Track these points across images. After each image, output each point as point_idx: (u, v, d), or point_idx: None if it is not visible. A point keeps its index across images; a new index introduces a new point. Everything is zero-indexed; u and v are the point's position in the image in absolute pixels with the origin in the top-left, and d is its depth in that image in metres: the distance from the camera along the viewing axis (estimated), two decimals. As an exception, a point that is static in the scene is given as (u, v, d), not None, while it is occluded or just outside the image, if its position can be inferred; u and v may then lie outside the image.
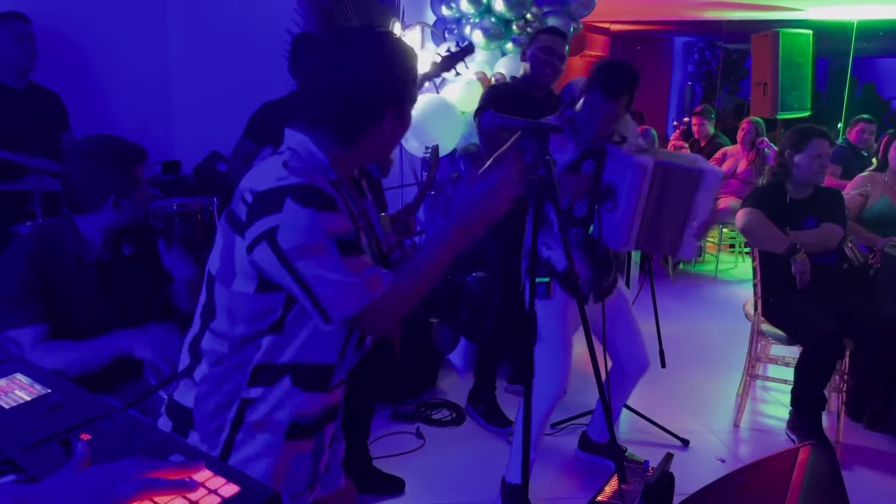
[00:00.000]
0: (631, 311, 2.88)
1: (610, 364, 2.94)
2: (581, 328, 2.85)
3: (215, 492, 0.85)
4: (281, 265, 1.28)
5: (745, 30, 8.27)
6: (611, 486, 2.44)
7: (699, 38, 11.94)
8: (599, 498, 2.36)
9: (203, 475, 0.88)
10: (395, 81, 1.35)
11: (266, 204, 1.28)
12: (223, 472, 0.88)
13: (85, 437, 0.99)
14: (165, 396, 1.91)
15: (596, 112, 2.50)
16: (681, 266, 6.66)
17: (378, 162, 1.46)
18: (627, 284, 3.71)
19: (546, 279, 2.58)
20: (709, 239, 6.92)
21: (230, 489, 0.86)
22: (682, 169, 2.53)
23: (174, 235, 3.00)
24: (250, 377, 1.38)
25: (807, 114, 7.25)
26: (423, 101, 4.00)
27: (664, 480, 2.41)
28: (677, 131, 7.70)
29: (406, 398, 3.61)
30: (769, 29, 7.10)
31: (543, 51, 3.30)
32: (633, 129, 2.80)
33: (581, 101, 2.55)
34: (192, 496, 0.84)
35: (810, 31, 7.20)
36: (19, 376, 1.18)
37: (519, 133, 2.45)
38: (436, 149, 2.73)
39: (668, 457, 2.48)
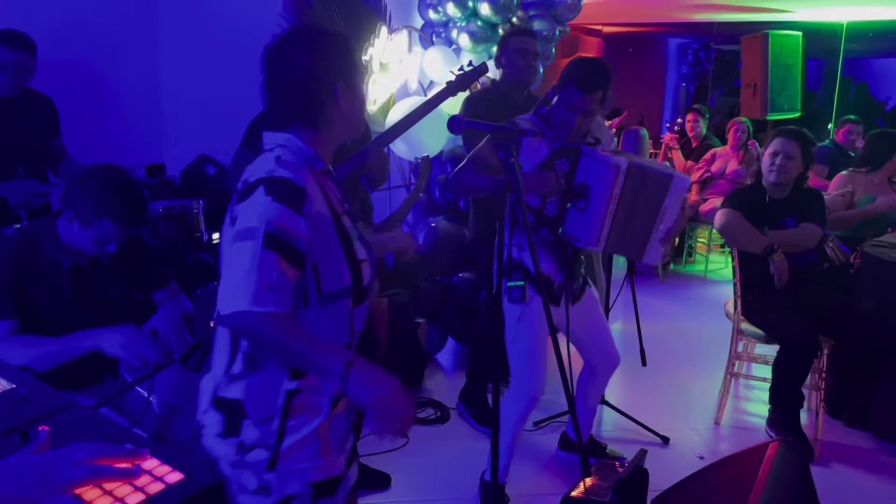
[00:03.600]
0: (600, 309, 2.92)
1: (582, 363, 3.00)
2: (562, 331, 2.91)
3: (161, 479, 0.90)
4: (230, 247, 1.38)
5: (735, 31, 8.32)
6: (586, 482, 2.48)
7: (693, 39, 12.00)
8: (573, 493, 2.41)
9: (150, 463, 0.92)
10: (332, 58, 1.50)
11: (246, 192, 1.41)
12: (169, 461, 0.93)
13: (43, 428, 1.04)
14: (146, 393, 1.96)
15: (571, 108, 2.51)
16: (671, 266, 6.70)
17: (351, 138, 1.57)
18: (608, 284, 3.75)
19: (521, 283, 2.60)
20: (699, 239, 6.97)
21: (175, 476, 0.91)
22: (653, 172, 2.57)
23: (159, 237, 3.04)
24: (289, 372, 1.48)
25: (797, 115, 7.29)
26: (411, 105, 4.04)
27: (636, 475, 2.46)
28: (669, 133, 7.74)
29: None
30: (759, 30, 7.15)
31: (519, 53, 3.32)
32: (608, 133, 2.84)
33: (556, 97, 2.56)
34: (138, 482, 0.89)
35: (800, 33, 7.25)
36: (-13, 372, 1.23)
37: (488, 136, 2.49)
38: (427, 159, 2.77)
39: (642, 452, 2.53)
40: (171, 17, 4.23)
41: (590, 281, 2.87)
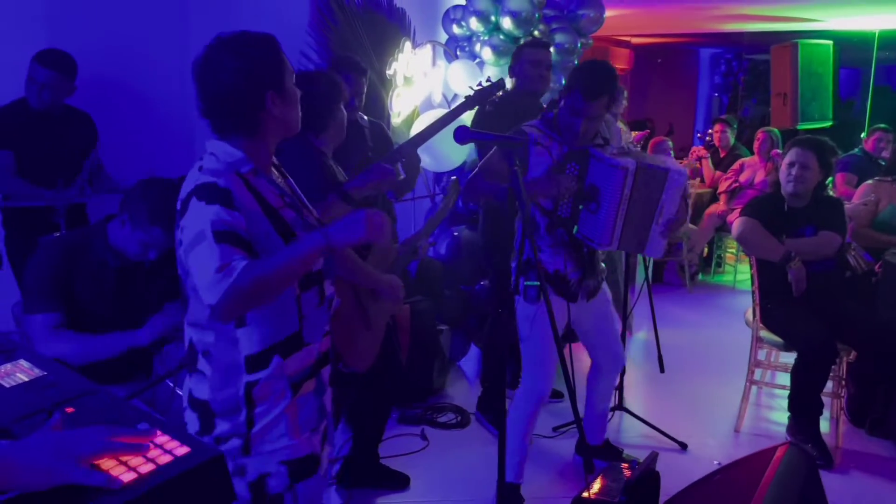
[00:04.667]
0: (611, 309, 2.97)
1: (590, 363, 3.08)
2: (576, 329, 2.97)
3: (169, 451, 1.00)
4: (185, 261, 1.50)
5: (765, 41, 8.29)
6: (597, 484, 2.53)
7: (725, 49, 11.94)
8: (584, 494, 2.46)
9: (161, 439, 1.03)
10: (260, 69, 1.56)
11: (183, 207, 1.52)
12: (178, 437, 1.03)
13: (69, 409, 1.15)
14: (172, 384, 2.08)
15: (576, 113, 2.56)
16: (699, 276, 6.69)
17: (289, 134, 1.66)
18: (626, 290, 3.79)
19: (537, 283, 2.66)
20: (728, 249, 6.95)
21: (182, 449, 1.01)
22: (653, 168, 2.61)
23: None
24: (246, 366, 1.59)
25: (828, 124, 7.24)
26: (433, 117, 4.15)
27: (647, 477, 2.50)
28: (699, 146, 7.72)
29: (413, 402, 3.75)
30: (789, 40, 7.13)
31: (533, 64, 3.40)
32: (617, 132, 2.89)
33: (562, 102, 2.62)
34: (149, 454, 0.99)
35: (830, 42, 7.21)
36: (22, 361, 1.35)
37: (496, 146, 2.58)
38: (456, 182, 2.89)
39: (653, 455, 2.57)
40: (203, 38, 4.39)
41: (604, 280, 2.92)
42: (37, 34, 3.46)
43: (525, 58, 3.45)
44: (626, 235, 2.61)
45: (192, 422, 1.63)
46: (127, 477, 0.95)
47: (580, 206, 2.61)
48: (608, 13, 5.03)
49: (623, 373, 3.50)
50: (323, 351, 1.72)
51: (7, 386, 1.25)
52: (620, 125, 6.17)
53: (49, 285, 2.14)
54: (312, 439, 1.68)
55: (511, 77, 3.54)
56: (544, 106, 3.61)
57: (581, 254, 2.73)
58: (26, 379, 1.28)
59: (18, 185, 3.17)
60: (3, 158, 3.16)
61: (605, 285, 2.93)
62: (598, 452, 3.16)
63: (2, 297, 2.97)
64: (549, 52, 3.54)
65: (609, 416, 3.28)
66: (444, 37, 4.83)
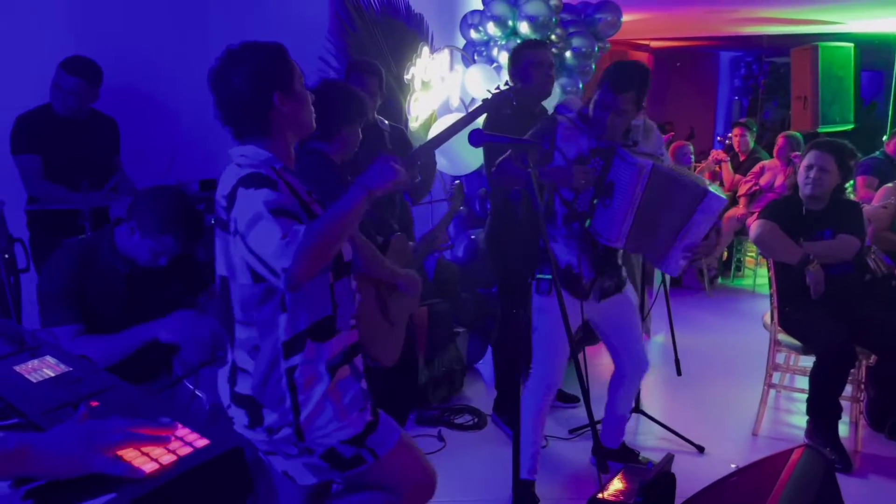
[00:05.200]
0: (634, 314, 2.96)
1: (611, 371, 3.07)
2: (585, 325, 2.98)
3: (190, 443, 1.04)
4: (245, 247, 1.58)
5: (785, 44, 8.24)
6: (613, 485, 2.54)
7: (745, 52, 11.87)
8: (599, 495, 2.47)
9: (181, 431, 1.07)
10: (266, 72, 1.68)
11: (230, 200, 1.61)
12: (197, 429, 1.07)
13: (94, 403, 1.19)
14: (192, 387, 2.12)
15: (604, 107, 2.62)
16: (719, 280, 6.66)
17: (304, 133, 1.78)
18: (642, 293, 3.79)
19: (549, 276, 2.69)
20: (748, 253, 6.91)
21: (202, 441, 1.04)
22: (686, 182, 2.63)
23: (210, 248, 3.22)
24: (284, 352, 1.68)
25: (850, 127, 7.18)
26: (450, 121, 4.18)
27: (663, 479, 2.50)
28: (717, 150, 7.68)
29: (431, 403, 3.77)
30: (809, 42, 7.09)
31: (535, 66, 3.34)
32: (656, 139, 2.89)
33: (594, 97, 2.68)
34: (169, 446, 1.03)
35: (851, 45, 7.15)
36: (49, 358, 1.40)
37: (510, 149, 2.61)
38: (460, 185, 2.97)
39: (669, 457, 2.58)
40: (223, 45, 4.46)
41: (626, 282, 2.91)
42: (61, 40, 3.54)
43: (525, 59, 3.37)
44: (636, 236, 2.62)
45: (239, 417, 1.72)
46: (149, 467, 0.98)
47: (595, 201, 2.64)
48: (626, 17, 5.05)
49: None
50: (351, 342, 1.81)
51: (34, 381, 1.30)
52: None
53: (64, 296, 2.16)
54: (363, 415, 1.77)
55: (512, 81, 3.49)
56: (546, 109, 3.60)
57: (596, 252, 2.75)
58: (53, 374, 1.32)
59: (46, 187, 3.25)
60: (31, 162, 3.24)
61: (628, 289, 2.92)
62: (614, 455, 3.17)
63: (29, 297, 3.04)
64: (549, 51, 3.49)
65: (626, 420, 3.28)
66: (461, 42, 4.87)
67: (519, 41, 4.54)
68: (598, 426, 3.45)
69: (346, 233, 1.63)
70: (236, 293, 1.70)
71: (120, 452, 1.00)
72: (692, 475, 2.63)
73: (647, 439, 3.52)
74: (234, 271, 1.68)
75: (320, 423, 1.70)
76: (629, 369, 3.01)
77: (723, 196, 2.68)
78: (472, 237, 4.43)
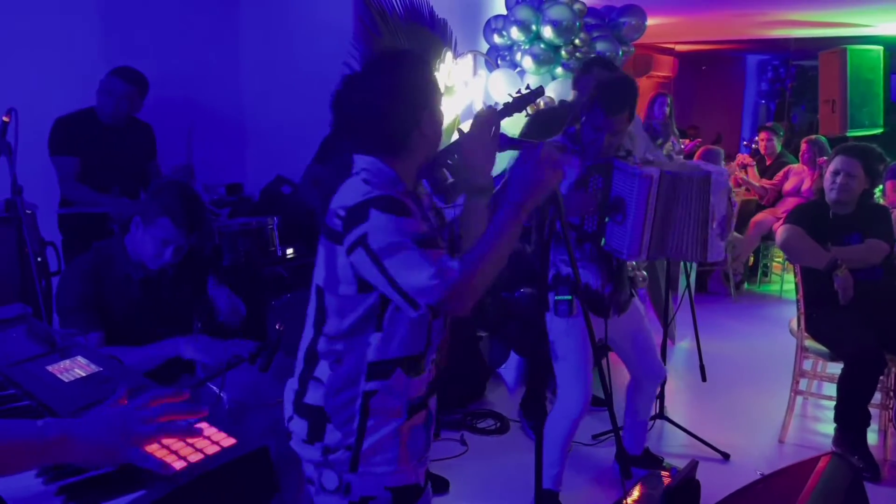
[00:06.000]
0: (645, 322, 2.94)
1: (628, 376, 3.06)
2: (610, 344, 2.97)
3: (217, 443, 1.06)
4: (373, 264, 1.49)
5: (813, 47, 8.14)
6: (637, 491, 2.53)
7: (772, 55, 11.75)
8: (624, 502, 2.46)
9: (208, 430, 1.09)
10: (415, 90, 1.57)
11: (357, 215, 1.50)
12: (224, 429, 1.09)
13: (123, 402, 1.21)
14: (217, 390, 2.15)
15: (598, 129, 2.59)
16: (745, 285, 6.59)
17: (430, 157, 1.65)
18: (666, 298, 3.77)
19: (569, 297, 2.66)
20: (774, 259, 6.83)
21: (229, 441, 1.06)
22: (688, 176, 2.59)
23: (237, 251, 3.27)
24: (368, 373, 1.58)
25: (879, 130, 7.06)
26: (473, 125, 4.19)
27: (686, 485, 2.49)
28: (743, 154, 7.61)
29: (454, 408, 3.78)
30: (837, 46, 7.00)
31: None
32: (642, 141, 2.88)
33: (583, 118, 2.64)
34: (197, 444, 1.05)
35: (880, 48, 7.05)
36: (80, 358, 1.43)
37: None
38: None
39: (693, 464, 2.55)
40: (253, 50, 4.53)
41: (635, 293, 2.91)
42: (91, 44, 3.63)
43: (589, 77, 3.28)
44: (656, 245, 2.58)
45: (300, 429, 1.62)
46: (178, 465, 1.00)
47: (606, 219, 2.61)
48: (650, 21, 5.02)
49: (664, 382, 3.47)
50: (433, 379, 1.72)
51: (66, 381, 1.33)
52: (673, 132, 6.12)
53: (82, 306, 2.20)
54: (418, 470, 1.67)
55: (573, 89, 3.44)
56: None
57: (610, 267, 2.73)
58: (84, 374, 1.36)
59: (81, 190, 3.32)
60: (69, 164, 3.32)
61: (636, 299, 2.92)
62: (637, 461, 3.16)
63: (59, 300, 3.10)
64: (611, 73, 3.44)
65: (650, 426, 3.26)
66: (485, 46, 4.89)
67: (543, 46, 4.55)
68: (622, 432, 3.45)
69: (504, 258, 1.51)
70: (332, 304, 1.60)
71: (150, 449, 1.03)
72: (717, 482, 2.60)
73: (672, 446, 3.49)
74: (336, 283, 1.58)
75: (380, 459, 1.60)
76: (644, 376, 2.99)
77: (722, 168, 2.69)
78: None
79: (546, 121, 3.45)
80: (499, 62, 4.79)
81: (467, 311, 1.52)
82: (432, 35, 4.52)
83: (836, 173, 3.34)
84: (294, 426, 1.64)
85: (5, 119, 2.74)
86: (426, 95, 1.59)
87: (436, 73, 4.25)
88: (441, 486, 3.08)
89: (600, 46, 4.66)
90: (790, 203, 6.25)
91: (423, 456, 1.69)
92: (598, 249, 2.68)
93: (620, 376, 4.20)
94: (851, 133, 6.85)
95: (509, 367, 4.40)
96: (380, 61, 1.60)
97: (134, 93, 3.41)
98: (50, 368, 1.38)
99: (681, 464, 3.20)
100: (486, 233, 1.51)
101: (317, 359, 1.63)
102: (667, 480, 2.47)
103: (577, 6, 4.60)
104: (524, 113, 3.16)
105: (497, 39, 4.73)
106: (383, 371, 1.58)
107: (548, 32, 4.47)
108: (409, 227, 1.47)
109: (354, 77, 1.60)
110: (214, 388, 2.15)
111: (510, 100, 2.90)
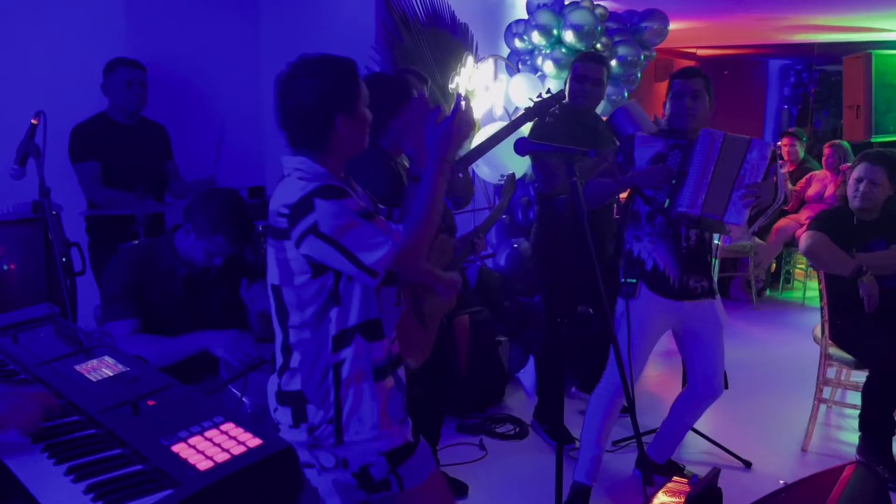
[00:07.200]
0: (720, 336, 2.88)
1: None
2: (669, 332, 2.98)
3: (243, 443, 1.07)
4: (330, 247, 1.62)
5: (837, 52, 8.06)
6: (658, 498, 2.51)
7: (795, 60, 11.63)
8: (646, 508, 2.44)
9: (235, 431, 1.09)
10: (333, 92, 1.68)
11: (302, 208, 1.62)
12: (250, 429, 1.09)
13: (151, 402, 1.23)
14: (239, 394, 2.17)
15: (679, 95, 2.75)
16: (767, 292, 6.53)
17: (357, 154, 1.78)
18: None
19: (634, 280, 2.73)
20: (797, 265, 6.76)
21: (255, 441, 1.07)
22: (740, 138, 2.72)
23: (259, 253, 3.29)
24: (333, 346, 1.71)
25: (905, 136, 6.98)
26: (494, 129, 4.19)
27: (708, 493, 2.46)
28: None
29: (473, 412, 3.77)
30: (861, 50, 6.92)
31: (576, 79, 3.36)
32: None
33: (667, 104, 2.82)
34: (224, 444, 1.05)
35: (906, 52, 6.96)
36: (107, 358, 1.45)
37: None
38: (512, 177, 2.92)
39: (715, 471, 2.53)
40: (273, 54, 4.57)
41: (715, 292, 2.87)
42: (113, 44, 3.68)
43: (571, 72, 3.42)
44: (710, 201, 2.65)
45: (284, 417, 1.73)
46: (204, 465, 1.01)
47: (673, 181, 2.69)
48: (672, 25, 5.00)
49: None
50: (396, 353, 1.83)
51: (94, 380, 1.35)
52: None
53: (125, 293, 2.27)
54: (403, 430, 1.77)
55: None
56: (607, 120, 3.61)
57: (680, 249, 2.75)
58: (111, 374, 1.37)
59: (107, 193, 3.37)
60: (92, 169, 3.36)
61: (717, 302, 2.86)
62: (659, 469, 3.13)
63: (86, 300, 3.14)
64: (599, 64, 3.43)
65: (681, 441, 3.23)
66: (506, 51, 4.88)
67: (564, 50, 4.54)
68: (645, 438, 3.42)
69: (439, 213, 1.69)
70: (291, 297, 1.71)
71: (176, 450, 1.03)
72: (739, 490, 2.59)
73: (693, 453, 3.46)
74: (290, 276, 1.68)
75: (363, 427, 1.69)
76: (702, 390, 2.94)
77: (767, 140, 2.82)
78: (515, 245, 4.43)
79: (556, 123, 3.41)
80: (520, 66, 4.79)
81: (417, 271, 1.74)
82: (454, 39, 4.53)
83: (859, 181, 3.31)
84: (279, 416, 1.74)
85: (34, 122, 2.78)
86: (345, 99, 1.69)
87: (457, 78, 4.26)
88: (460, 490, 3.07)
89: (622, 51, 4.65)
90: (813, 209, 6.19)
91: (403, 418, 1.80)
92: (667, 226, 2.74)
93: (643, 383, 4.18)
94: (877, 139, 6.76)
95: (528, 372, 4.39)
96: (309, 60, 1.70)
97: (144, 76, 3.47)
98: (78, 368, 1.40)
99: (702, 471, 3.18)
100: (419, 193, 1.69)
101: (290, 351, 1.74)
102: (687, 488, 2.45)
103: (598, 10, 4.59)
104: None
105: (518, 44, 4.73)
106: (346, 339, 1.71)
107: (569, 37, 4.46)
108: (353, 205, 1.63)
109: (289, 71, 1.70)
110: (236, 391, 2.17)
111: (531, 104, 2.92)
